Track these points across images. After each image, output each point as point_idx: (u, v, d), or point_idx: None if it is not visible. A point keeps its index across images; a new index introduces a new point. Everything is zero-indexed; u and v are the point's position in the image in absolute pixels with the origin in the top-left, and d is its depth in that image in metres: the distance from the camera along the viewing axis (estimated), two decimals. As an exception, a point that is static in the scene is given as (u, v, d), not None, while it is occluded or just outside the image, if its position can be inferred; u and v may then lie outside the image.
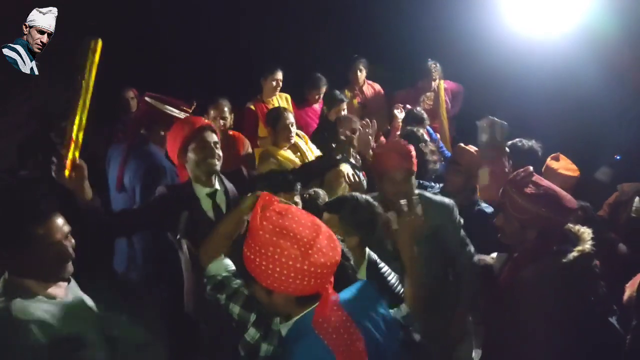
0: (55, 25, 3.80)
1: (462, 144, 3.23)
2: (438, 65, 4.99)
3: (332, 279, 1.51)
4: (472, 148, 3.18)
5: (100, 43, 2.23)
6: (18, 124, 4.38)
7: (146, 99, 3.26)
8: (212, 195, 2.64)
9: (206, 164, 2.58)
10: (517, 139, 3.45)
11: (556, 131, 3.72)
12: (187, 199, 2.58)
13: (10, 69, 3.96)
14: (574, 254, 2.05)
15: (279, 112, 3.71)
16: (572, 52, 3.90)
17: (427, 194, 2.73)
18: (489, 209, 3.09)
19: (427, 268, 2.11)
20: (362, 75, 5.15)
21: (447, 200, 2.70)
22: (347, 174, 3.31)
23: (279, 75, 4.58)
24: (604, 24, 3.91)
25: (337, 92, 4.63)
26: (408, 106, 4.55)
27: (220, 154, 2.66)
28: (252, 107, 4.62)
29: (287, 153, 3.62)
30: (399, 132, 4.04)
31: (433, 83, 5.01)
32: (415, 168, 2.65)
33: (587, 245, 2.07)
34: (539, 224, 2.12)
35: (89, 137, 4.53)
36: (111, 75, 4.57)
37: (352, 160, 3.52)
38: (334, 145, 3.22)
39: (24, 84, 4.25)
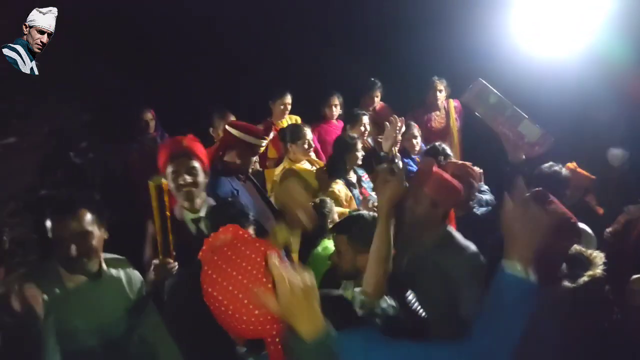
0: (72, 49, 3.97)
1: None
2: (444, 81, 4.98)
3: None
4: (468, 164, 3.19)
5: (160, 184, 2.20)
6: (38, 144, 4.52)
7: (227, 127, 3.28)
8: (196, 221, 2.61)
9: (181, 191, 2.56)
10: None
11: (565, 150, 3.67)
12: (175, 224, 2.49)
13: (30, 90, 4.15)
14: (584, 278, 2.01)
15: (298, 127, 3.79)
16: (582, 72, 3.86)
17: (456, 233, 2.57)
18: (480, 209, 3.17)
19: (425, 297, 2.15)
20: (377, 99, 5.24)
21: (471, 247, 2.49)
22: (339, 193, 3.44)
23: (288, 99, 4.67)
24: (614, 44, 3.88)
25: (356, 109, 4.71)
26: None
27: (200, 180, 2.60)
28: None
29: (306, 167, 3.72)
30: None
31: (439, 95, 4.96)
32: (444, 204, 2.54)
33: (598, 270, 2.03)
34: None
35: (106, 156, 4.74)
36: (128, 95, 4.77)
37: (350, 177, 3.70)
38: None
39: (43, 105, 4.42)
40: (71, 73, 4.44)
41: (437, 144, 3.87)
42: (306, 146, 3.68)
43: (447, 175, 2.57)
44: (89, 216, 1.99)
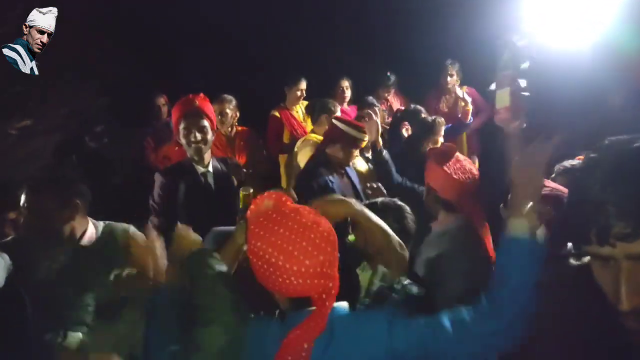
0: (88, 34, 3.97)
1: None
2: (457, 65, 4.91)
3: (331, 290, 1.39)
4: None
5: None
6: (55, 126, 4.59)
7: (333, 121, 3.42)
8: (204, 174, 2.93)
9: (191, 147, 2.84)
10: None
11: (577, 141, 3.55)
12: (188, 174, 2.87)
13: (50, 74, 4.18)
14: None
15: (328, 102, 4.07)
16: (595, 62, 3.74)
17: None
18: None
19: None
20: (390, 92, 5.26)
21: None
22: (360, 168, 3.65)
23: (303, 85, 4.66)
24: (627, 34, 3.75)
25: (370, 97, 4.70)
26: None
27: (209, 137, 2.89)
28: (277, 114, 4.66)
29: None
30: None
31: (449, 79, 4.91)
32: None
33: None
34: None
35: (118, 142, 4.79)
36: (141, 80, 4.79)
37: (366, 154, 3.82)
38: None
39: (60, 89, 4.47)
40: (86, 58, 4.47)
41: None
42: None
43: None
44: (52, 196, 2.07)
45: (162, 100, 4.80)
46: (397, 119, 4.38)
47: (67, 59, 4.32)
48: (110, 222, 2.36)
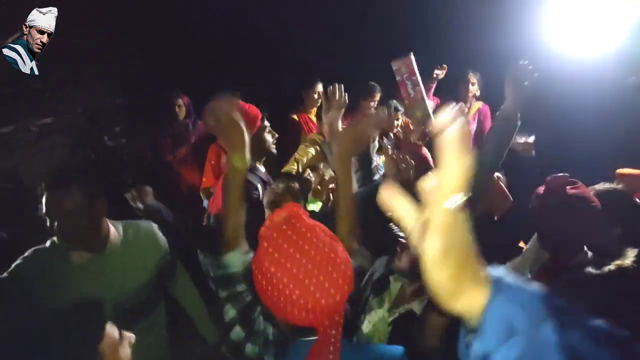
0: (107, 33, 3.96)
1: None
2: (478, 74, 4.89)
3: (338, 322, 1.28)
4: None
5: None
6: (71, 124, 4.60)
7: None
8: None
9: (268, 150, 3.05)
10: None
11: (597, 153, 3.40)
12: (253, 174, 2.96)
13: (66, 71, 4.19)
14: (611, 267, 1.93)
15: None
16: (616, 74, 3.58)
17: None
18: None
19: None
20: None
21: None
22: None
23: (319, 87, 4.61)
24: None
25: (395, 101, 4.64)
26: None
27: None
28: (296, 117, 4.62)
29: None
30: None
31: (470, 87, 4.90)
32: None
33: (627, 261, 1.93)
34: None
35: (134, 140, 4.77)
36: (159, 80, 4.77)
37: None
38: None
39: (78, 86, 4.48)
40: (105, 57, 4.47)
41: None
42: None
43: None
44: (79, 194, 1.91)
45: (180, 101, 4.76)
46: None
47: (85, 58, 4.33)
48: (128, 221, 2.29)
